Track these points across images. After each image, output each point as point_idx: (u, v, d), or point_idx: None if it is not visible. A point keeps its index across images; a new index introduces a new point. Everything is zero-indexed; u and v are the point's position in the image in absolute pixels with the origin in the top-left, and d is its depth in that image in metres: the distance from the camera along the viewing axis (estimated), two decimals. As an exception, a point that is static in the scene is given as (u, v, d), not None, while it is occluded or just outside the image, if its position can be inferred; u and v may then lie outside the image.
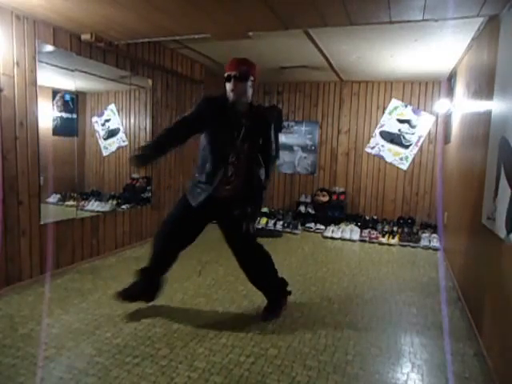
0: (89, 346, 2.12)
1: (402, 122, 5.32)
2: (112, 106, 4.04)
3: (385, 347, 2.23)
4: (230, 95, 2.35)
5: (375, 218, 5.36)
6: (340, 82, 5.53)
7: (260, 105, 2.60)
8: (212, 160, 2.38)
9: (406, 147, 5.33)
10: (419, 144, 5.26)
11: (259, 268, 2.63)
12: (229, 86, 2.34)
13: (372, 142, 5.48)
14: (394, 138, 5.37)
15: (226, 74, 2.35)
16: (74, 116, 3.43)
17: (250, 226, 2.49)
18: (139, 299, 2.56)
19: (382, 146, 5.42)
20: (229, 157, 2.38)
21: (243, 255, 2.59)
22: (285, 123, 5.88)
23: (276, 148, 2.51)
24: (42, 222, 3.05)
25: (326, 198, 5.48)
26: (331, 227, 5.09)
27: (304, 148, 5.81)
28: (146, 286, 2.57)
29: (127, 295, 2.52)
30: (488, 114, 2.35)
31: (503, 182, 1.94)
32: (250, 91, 2.39)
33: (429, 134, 5.22)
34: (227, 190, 2.42)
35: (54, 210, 3.29)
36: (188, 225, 2.50)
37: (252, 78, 2.37)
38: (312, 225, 5.26)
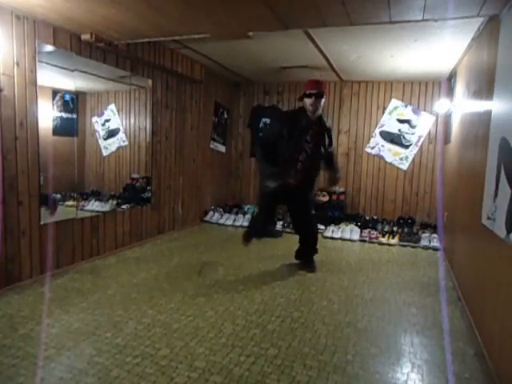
0: (89, 346, 2.12)
1: (402, 121, 5.32)
2: (112, 106, 4.04)
3: (385, 347, 2.23)
4: (309, 108, 3.19)
5: (375, 218, 5.36)
6: (340, 81, 5.53)
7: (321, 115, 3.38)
8: (287, 157, 3.25)
9: (406, 147, 5.33)
10: (419, 144, 5.27)
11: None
12: (309, 101, 3.17)
13: (372, 141, 5.48)
14: (394, 138, 5.37)
15: (307, 92, 3.17)
16: (74, 116, 3.43)
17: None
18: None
19: (382, 145, 5.42)
20: (299, 155, 3.25)
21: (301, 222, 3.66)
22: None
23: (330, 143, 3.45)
24: (42, 222, 3.05)
25: (326, 198, 5.48)
26: (331, 227, 5.09)
27: (304, 148, 5.80)
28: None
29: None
30: (488, 114, 2.35)
31: (503, 182, 1.94)
32: (322, 105, 3.25)
33: (429, 134, 5.22)
34: (297, 179, 3.28)
35: (54, 209, 3.29)
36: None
37: (325, 97, 3.23)
38: (312, 225, 5.26)
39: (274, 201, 3.54)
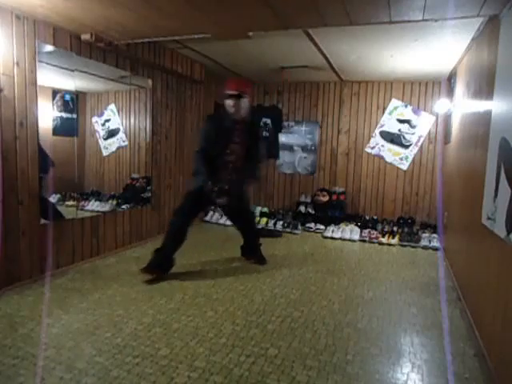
0: (89, 346, 2.12)
1: (402, 122, 5.32)
2: (112, 106, 4.04)
3: (385, 347, 2.23)
4: (231, 110, 3.13)
5: (375, 218, 5.36)
6: (340, 81, 5.53)
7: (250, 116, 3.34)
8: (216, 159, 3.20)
9: (406, 147, 5.33)
10: (419, 144, 5.27)
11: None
12: (229, 102, 3.10)
13: (372, 141, 5.48)
14: (393, 138, 5.37)
15: (226, 93, 3.11)
16: (74, 116, 3.43)
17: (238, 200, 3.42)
18: (156, 273, 3.15)
19: (382, 145, 5.42)
20: (228, 156, 3.22)
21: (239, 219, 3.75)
22: (285, 123, 5.88)
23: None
24: (41, 222, 3.04)
25: (326, 198, 5.48)
26: (331, 227, 5.09)
27: (304, 148, 5.81)
28: (161, 262, 3.20)
29: (147, 270, 3.12)
30: (488, 113, 2.35)
31: (503, 182, 1.94)
32: (245, 105, 3.16)
33: (429, 133, 5.22)
34: (231, 181, 3.21)
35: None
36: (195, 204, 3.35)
37: (247, 96, 3.15)
38: (312, 225, 5.26)
39: (198, 202, 3.32)
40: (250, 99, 3.23)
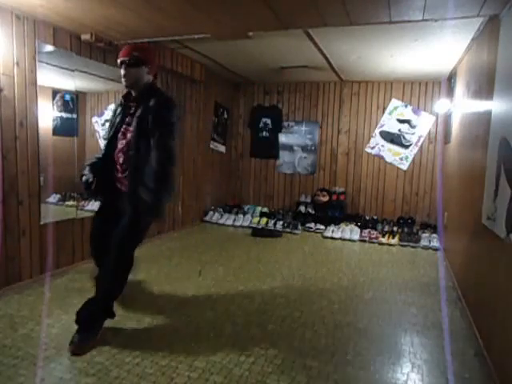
0: (89, 345, 2.11)
1: (402, 122, 5.32)
2: (112, 106, 4.03)
3: (385, 347, 2.23)
4: (123, 83, 2.24)
5: (375, 218, 5.36)
6: (340, 81, 5.53)
7: (158, 90, 2.33)
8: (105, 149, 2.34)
9: (406, 147, 5.33)
10: (419, 144, 5.27)
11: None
12: (121, 72, 2.22)
13: (372, 141, 5.48)
14: (393, 138, 5.37)
15: (118, 61, 2.24)
16: (74, 116, 3.43)
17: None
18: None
19: (382, 145, 5.42)
20: (120, 149, 2.27)
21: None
22: (285, 123, 5.89)
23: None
24: (41, 222, 3.04)
25: (326, 198, 5.48)
26: (331, 227, 5.09)
27: (304, 148, 5.81)
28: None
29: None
30: (488, 114, 2.35)
31: (503, 182, 1.94)
32: (144, 77, 2.24)
33: (429, 133, 5.22)
34: (121, 179, 2.28)
35: (54, 209, 3.29)
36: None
37: (146, 64, 2.23)
38: (312, 225, 5.26)
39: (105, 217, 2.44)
40: (154, 70, 2.31)
